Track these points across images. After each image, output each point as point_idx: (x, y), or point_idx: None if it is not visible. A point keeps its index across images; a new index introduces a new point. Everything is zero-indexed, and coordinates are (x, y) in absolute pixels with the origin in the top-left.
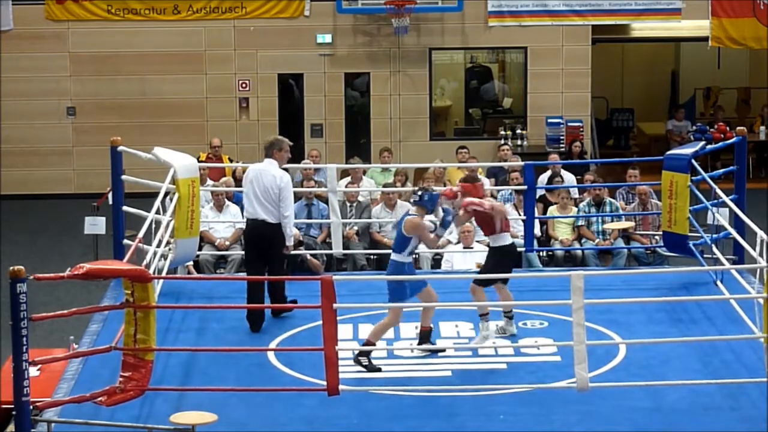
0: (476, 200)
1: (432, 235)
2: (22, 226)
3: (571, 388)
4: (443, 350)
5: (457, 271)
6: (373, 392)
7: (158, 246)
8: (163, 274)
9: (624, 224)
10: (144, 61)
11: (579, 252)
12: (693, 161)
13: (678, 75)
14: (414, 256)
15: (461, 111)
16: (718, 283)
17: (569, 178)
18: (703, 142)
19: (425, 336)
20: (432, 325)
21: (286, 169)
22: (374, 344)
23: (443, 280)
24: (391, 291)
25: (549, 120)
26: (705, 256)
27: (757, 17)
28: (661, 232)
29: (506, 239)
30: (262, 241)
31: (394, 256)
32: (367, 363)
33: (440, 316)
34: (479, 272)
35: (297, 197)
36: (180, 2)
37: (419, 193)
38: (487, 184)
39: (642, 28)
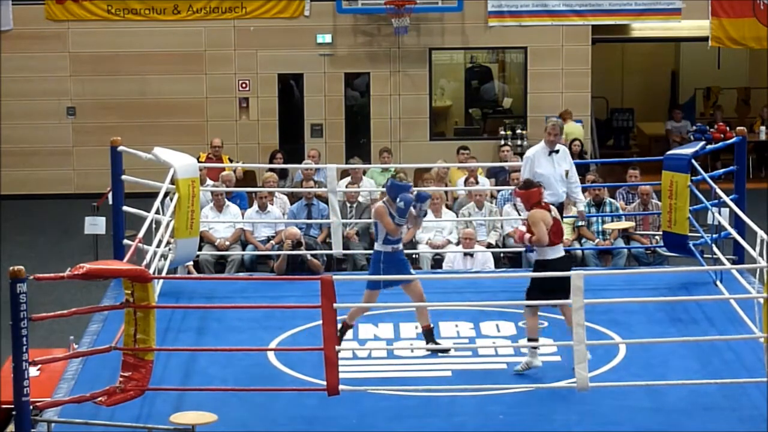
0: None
1: (391, 223)
2: (22, 226)
3: (571, 388)
4: (448, 350)
5: (456, 271)
6: (373, 392)
7: (158, 246)
8: (163, 274)
9: (624, 224)
10: (144, 61)
11: (579, 252)
12: (693, 161)
13: (678, 75)
14: (395, 246)
15: (461, 111)
16: (718, 283)
17: None
18: (703, 142)
19: (429, 335)
20: (431, 324)
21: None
22: (351, 326)
23: (444, 281)
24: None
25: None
26: (705, 256)
27: (757, 17)
28: (661, 232)
29: (548, 253)
30: None
31: (375, 245)
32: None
33: (440, 316)
34: (527, 292)
35: (297, 197)
36: (180, 2)
37: (388, 178)
38: (486, 184)
39: (642, 28)
